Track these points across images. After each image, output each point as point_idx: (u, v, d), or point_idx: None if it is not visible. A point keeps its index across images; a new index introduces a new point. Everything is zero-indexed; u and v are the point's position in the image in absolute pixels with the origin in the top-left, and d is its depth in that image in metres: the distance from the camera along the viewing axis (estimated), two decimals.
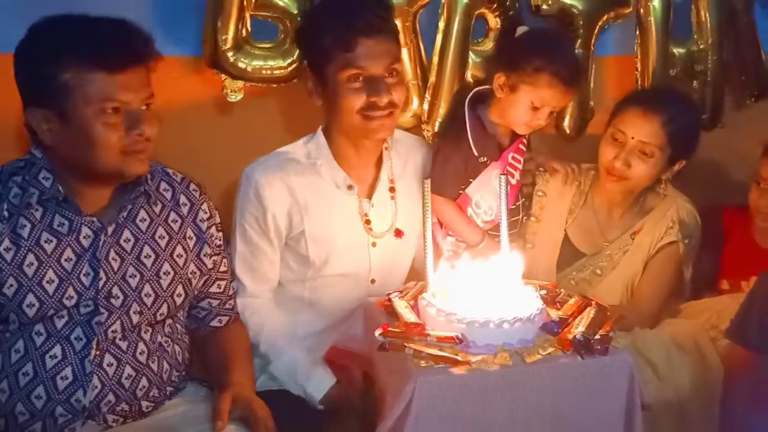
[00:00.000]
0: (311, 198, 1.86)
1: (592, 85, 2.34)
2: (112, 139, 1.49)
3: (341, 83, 1.76)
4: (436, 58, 2.17)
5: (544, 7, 2.23)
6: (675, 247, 2.07)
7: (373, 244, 1.91)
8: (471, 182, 1.98)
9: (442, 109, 2.17)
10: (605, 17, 2.31)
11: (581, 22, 2.26)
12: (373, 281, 1.93)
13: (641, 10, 2.32)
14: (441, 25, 2.16)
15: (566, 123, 2.34)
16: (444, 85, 2.17)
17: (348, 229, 1.89)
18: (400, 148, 1.97)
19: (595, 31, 2.30)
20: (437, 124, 2.17)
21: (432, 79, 2.18)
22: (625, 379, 1.51)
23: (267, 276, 1.91)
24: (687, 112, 2.06)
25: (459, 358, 1.45)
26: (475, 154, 1.90)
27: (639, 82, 2.38)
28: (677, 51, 2.41)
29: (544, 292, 1.68)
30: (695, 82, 2.43)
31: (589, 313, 1.61)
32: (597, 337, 1.52)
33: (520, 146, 2.00)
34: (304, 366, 1.82)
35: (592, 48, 2.31)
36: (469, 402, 1.44)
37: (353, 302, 1.89)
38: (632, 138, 1.96)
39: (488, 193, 1.95)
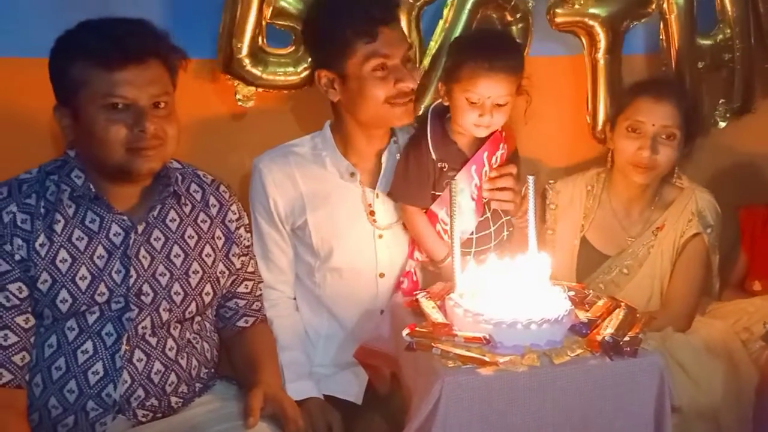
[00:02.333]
0: (314, 188, 1.88)
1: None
2: (113, 135, 1.52)
3: (366, 74, 1.77)
4: (435, 44, 2.16)
5: (561, 20, 2.21)
6: (699, 240, 2.08)
7: (380, 237, 1.90)
8: (437, 197, 1.87)
9: (429, 96, 2.14)
10: (628, 20, 2.29)
11: (604, 29, 2.24)
12: (382, 275, 1.92)
13: (664, 7, 2.29)
14: (446, 14, 2.15)
15: None
16: (435, 76, 2.13)
17: (352, 220, 1.89)
18: (401, 139, 1.95)
19: (620, 36, 2.28)
20: (422, 108, 2.12)
21: (425, 63, 2.16)
22: (655, 381, 1.49)
23: (281, 266, 1.92)
24: (685, 93, 2.16)
25: (486, 358, 1.44)
26: (434, 158, 1.84)
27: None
28: (703, 43, 2.38)
29: (572, 293, 1.67)
30: (724, 71, 2.40)
31: (618, 314, 1.59)
32: (626, 338, 1.50)
33: (487, 159, 1.87)
34: (297, 368, 1.83)
35: (620, 52, 2.29)
36: (496, 403, 1.43)
37: (365, 299, 1.90)
38: (653, 125, 2.00)
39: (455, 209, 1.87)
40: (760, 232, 2.29)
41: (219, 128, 2.16)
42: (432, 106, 1.93)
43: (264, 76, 2.05)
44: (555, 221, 2.15)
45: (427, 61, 2.16)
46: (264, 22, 2.03)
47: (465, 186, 1.84)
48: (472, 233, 1.88)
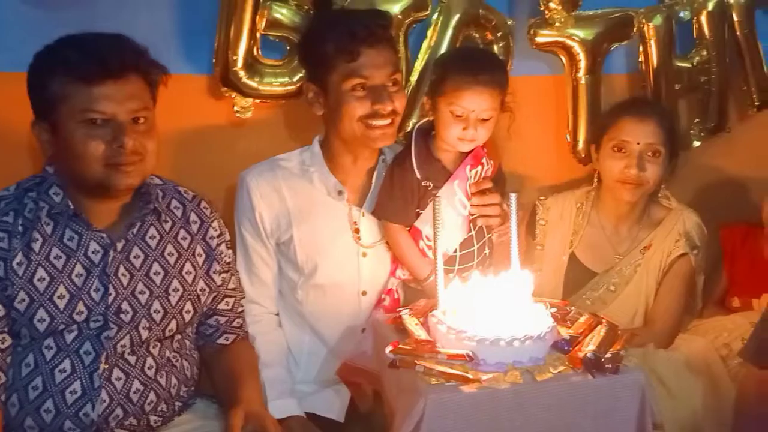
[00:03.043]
0: (301, 204, 1.88)
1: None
2: (91, 150, 1.51)
3: (344, 92, 1.78)
4: (419, 64, 2.19)
5: (541, 40, 2.25)
6: (686, 260, 2.11)
7: (364, 255, 1.91)
8: (420, 214, 1.87)
9: (416, 115, 2.18)
10: (608, 43, 2.34)
11: (584, 49, 2.28)
12: (364, 293, 1.92)
13: (644, 30, 2.34)
14: (430, 33, 2.18)
15: None
16: (421, 94, 2.15)
17: (337, 237, 1.89)
18: (390, 158, 1.96)
19: (601, 57, 2.32)
20: (411, 124, 2.16)
21: (412, 80, 2.18)
22: (637, 397, 1.49)
23: (265, 280, 1.91)
24: (666, 111, 2.22)
25: (470, 375, 1.44)
26: (418, 177, 1.84)
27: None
28: (681, 65, 2.43)
29: (554, 310, 1.67)
30: (700, 92, 2.46)
31: (600, 331, 1.60)
32: (608, 355, 1.51)
33: (469, 172, 1.87)
34: (279, 386, 1.82)
35: (600, 72, 2.33)
36: (479, 420, 1.43)
37: (347, 316, 1.89)
38: (638, 144, 2.04)
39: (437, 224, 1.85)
40: (740, 249, 2.32)
41: (220, 141, 2.16)
42: (416, 125, 1.93)
43: (260, 87, 2.06)
44: (544, 237, 2.17)
45: (413, 78, 2.18)
46: (258, 34, 2.04)
47: (448, 201, 1.84)
48: (455, 251, 1.89)
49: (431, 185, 1.86)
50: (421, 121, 1.95)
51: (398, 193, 1.85)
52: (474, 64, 1.82)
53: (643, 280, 2.11)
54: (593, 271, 2.13)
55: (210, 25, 2.04)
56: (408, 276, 1.93)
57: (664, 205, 2.17)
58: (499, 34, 2.23)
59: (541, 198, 2.21)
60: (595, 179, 2.17)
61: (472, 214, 1.89)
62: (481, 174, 1.90)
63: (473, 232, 1.91)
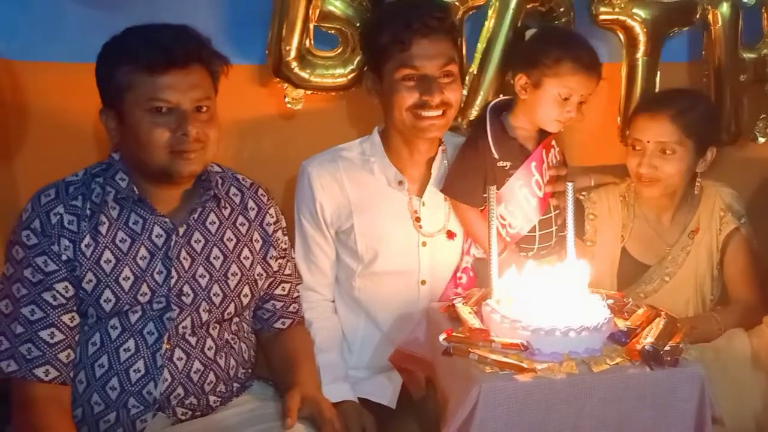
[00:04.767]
0: (361, 194, 1.89)
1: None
2: (156, 138, 1.55)
3: (396, 81, 1.79)
4: (479, 54, 2.17)
5: (603, 17, 2.21)
6: (739, 233, 2.10)
7: (423, 244, 1.91)
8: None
9: (479, 102, 2.16)
10: (670, 26, 2.27)
11: (645, 32, 2.23)
12: (423, 282, 1.93)
13: (709, 17, 2.28)
14: (489, 20, 2.16)
15: None
16: (486, 78, 2.16)
17: (398, 226, 1.90)
18: (450, 150, 1.96)
19: (661, 41, 2.26)
20: (473, 112, 2.16)
21: (473, 69, 2.17)
22: (696, 392, 1.46)
23: (323, 268, 1.94)
24: (696, 102, 2.08)
25: (524, 365, 1.44)
26: (496, 156, 1.85)
27: (709, 89, 2.34)
28: (747, 56, 2.35)
29: (611, 301, 1.66)
30: (767, 85, 2.39)
31: (659, 323, 1.57)
32: (667, 348, 1.49)
33: (545, 155, 1.90)
34: (334, 371, 1.84)
35: (658, 57, 2.27)
36: (534, 410, 1.42)
37: (404, 305, 1.90)
38: (648, 142, 2.00)
39: (512, 204, 1.88)
40: None
41: (270, 131, 2.19)
42: (490, 104, 1.93)
43: (311, 78, 2.08)
44: (595, 232, 2.13)
45: (474, 67, 2.17)
46: (311, 25, 2.06)
47: (525, 182, 1.86)
48: (534, 230, 1.90)
49: (509, 165, 1.87)
50: (494, 100, 1.94)
51: (470, 174, 1.87)
52: (589, 49, 1.85)
53: (694, 264, 2.08)
54: (645, 264, 2.10)
55: (265, 16, 2.06)
56: (482, 254, 1.93)
57: (697, 187, 2.13)
58: (561, 10, 2.19)
59: (584, 193, 2.16)
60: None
61: (550, 195, 1.89)
62: (552, 157, 1.91)
63: (552, 214, 1.92)
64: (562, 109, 1.83)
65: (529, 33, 1.97)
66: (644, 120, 2.02)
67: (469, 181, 1.87)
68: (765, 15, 2.35)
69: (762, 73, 2.37)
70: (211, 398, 1.66)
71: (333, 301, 1.99)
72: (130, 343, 1.59)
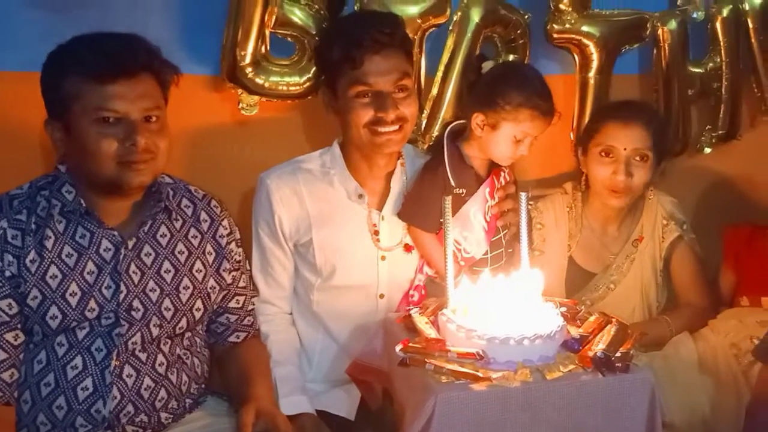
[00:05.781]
0: (321, 207, 1.88)
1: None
2: (104, 148, 1.52)
3: (350, 98, 1.79)
4: (440, 74, 2.19)
5: (557, 36, 2.25)
6: (682, 240, 2.16)
7: (383, 258, 1.91)
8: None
9: (438, 124, 2.18)
10: (621, 44, 2.33)
11: (598, 49, 2.28)
12: (381, 296, 1.92)
13: (659, 33, 2.34)
14: (449, 41, 2.18)
15: None
16: (445, 101, 2.18)
17: (356, 240, 1.89)
18: (409, 163, 1.97)
19: (613, 58, 2.32)
20: (434, 132, 2.18)
21: (434, 91, 2.19)
22: (647, 397, 1.49)
23: (280, 281, 1.92)
24: (655, 114, 2.19)
25: (480, 374, 1.44)
26: (452, 184, 1.85)
27: (659, 102, 2.39)
28: (694, 71, 2.43)
29: (564, 309, 1.68)
30: (712, 98, 2.46)
31: (610, 330, 1.60)
32: (618, 354, 1.51)
33: (496, 179, 1.91)
34: (291, 383, 1.82)
35: (611, 73, 2.32)
36: (489, 418, 1.43)
37: (362, 318, 1.89)
38: (624, 149, 2.03)
39: (467, 230, 1.88)
40: (745, 249, 2.31)
41: (224, 139, 2.16)
42: (447, 131, 1.92)
43: (266, 85, 2.06)
44: (543, 241, 2.16)
45: (435, 89, 2.18)
46: (267, 31, 2.04)
47: (479, 207, 1.87)
48: (486, 252, 1.90)
49: (464, 192, 1.87)
50: (452, 124, 1.94)
51: (427, 199, 1.86)
52: (546, 93, 1.84)
53: (639, 272, 2.13)
54: (591, 272, 2.14)
55: (219, 24, 2.03)
56: (434, 273, 1.94)
57: (644, 197, 2.18)
58: (518, 32, 2.23)
59: (531, 203, 2.15)
60: (583, 183, 2.16)
61: (497, 217, 1.90)
62: (502, 179, 1.92)
63: (501, 234, 1.93)
64: (516, 148, 1.84)
65: (486, 66, 1.94)
66: (618, 127, 2.04)
67: (426, 206, 1.86)
68: (710, 31, 2.41)
69: (708, 87, 2.44)
70: (163, 415, 1.63)
71: (290, 314, 1.97)
72: (78, 361, 1.55)
